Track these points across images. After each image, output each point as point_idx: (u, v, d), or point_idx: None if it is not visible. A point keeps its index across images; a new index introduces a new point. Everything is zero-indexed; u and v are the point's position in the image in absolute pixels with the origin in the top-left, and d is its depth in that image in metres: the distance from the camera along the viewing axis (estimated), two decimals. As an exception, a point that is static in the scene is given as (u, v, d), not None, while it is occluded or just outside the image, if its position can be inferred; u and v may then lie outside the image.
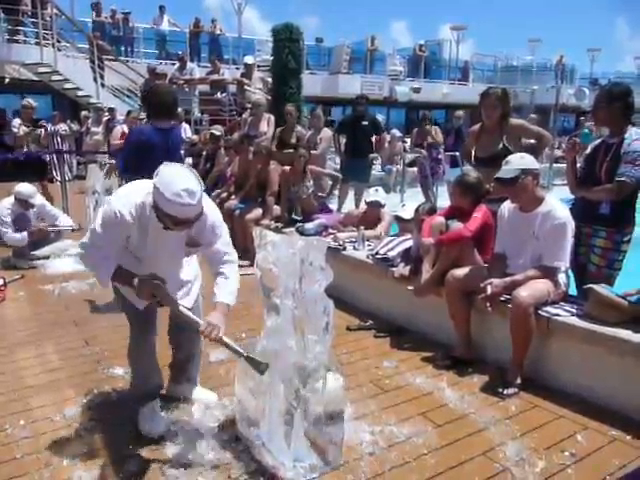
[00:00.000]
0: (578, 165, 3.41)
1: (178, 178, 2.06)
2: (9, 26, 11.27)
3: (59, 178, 9.08)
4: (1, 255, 5.49)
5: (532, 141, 4.09)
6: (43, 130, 7.32)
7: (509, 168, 3.07)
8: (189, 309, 2.40)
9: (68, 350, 3.47)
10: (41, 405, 2.79)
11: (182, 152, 3.88)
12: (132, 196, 2.24)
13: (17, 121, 7.46)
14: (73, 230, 5.78)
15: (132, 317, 2.51)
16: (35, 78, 11.43)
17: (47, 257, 5.57)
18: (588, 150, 3.38)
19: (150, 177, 2.14)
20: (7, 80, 11.88)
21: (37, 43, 11.20)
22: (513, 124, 3.89)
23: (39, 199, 5.63)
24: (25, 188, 5.40)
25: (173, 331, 2.77)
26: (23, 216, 5.41)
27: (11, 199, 5.39)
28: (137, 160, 3.59)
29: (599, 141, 3.32)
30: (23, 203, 5.37)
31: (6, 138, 12.41)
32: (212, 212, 2.36)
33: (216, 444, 2.42)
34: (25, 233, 5.36)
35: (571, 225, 3.04)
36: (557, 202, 3.13)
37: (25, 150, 7.33)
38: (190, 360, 2.81)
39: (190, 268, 2.66)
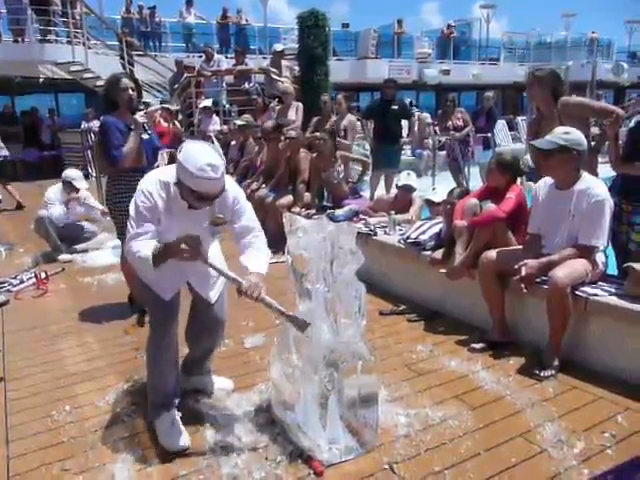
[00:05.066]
0: (620, 142, 3.28)
1: (201, 154, 2.09)
2: (41, 26, 11.48)
3: (94, 174, 9.32)
4: (42, 249, 5.67)
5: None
6: None
7: (549, 139, 2.97)
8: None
9: (108, 339, 3.57)
10: (85, 392, 2.89)
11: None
12: (156, 176, 2.29)
13: None
14: (104, 214, 5.60)
15: (156, 308, 2.43)
16: (68, 77, 11.64)
17: (85, 250, 5.73)
18: (632, 124, 3.27)
19: None
20: (42, 80, 12.16)
21: (68, 42, 11.38)
22: (570, 103, 3.47)
23: (84, 184, 5.88)
24: (72, 171, 5.86)
25: (194, 327, 2.64)
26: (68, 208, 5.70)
27: (60, 185, 5.74)
28: None
29: None
30: (68, 185, 5.66)
31: (43, 137, 12.82)
32: (233, 188, 2.37)
33: (253, 427, 2.47)
34: (63, 205, 5.63)
35: (610, 203, 2.94)
36: (595, 179, 3.04)
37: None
38: (207, 356, 2.76)
39: (220, 259, 2.55)
